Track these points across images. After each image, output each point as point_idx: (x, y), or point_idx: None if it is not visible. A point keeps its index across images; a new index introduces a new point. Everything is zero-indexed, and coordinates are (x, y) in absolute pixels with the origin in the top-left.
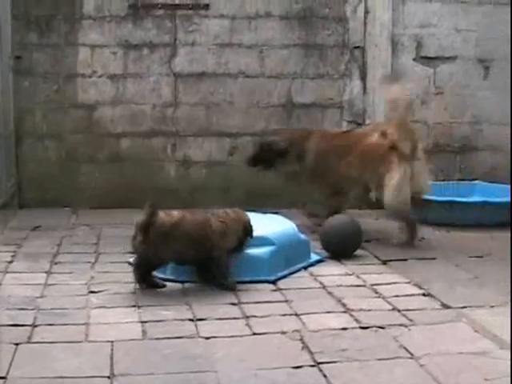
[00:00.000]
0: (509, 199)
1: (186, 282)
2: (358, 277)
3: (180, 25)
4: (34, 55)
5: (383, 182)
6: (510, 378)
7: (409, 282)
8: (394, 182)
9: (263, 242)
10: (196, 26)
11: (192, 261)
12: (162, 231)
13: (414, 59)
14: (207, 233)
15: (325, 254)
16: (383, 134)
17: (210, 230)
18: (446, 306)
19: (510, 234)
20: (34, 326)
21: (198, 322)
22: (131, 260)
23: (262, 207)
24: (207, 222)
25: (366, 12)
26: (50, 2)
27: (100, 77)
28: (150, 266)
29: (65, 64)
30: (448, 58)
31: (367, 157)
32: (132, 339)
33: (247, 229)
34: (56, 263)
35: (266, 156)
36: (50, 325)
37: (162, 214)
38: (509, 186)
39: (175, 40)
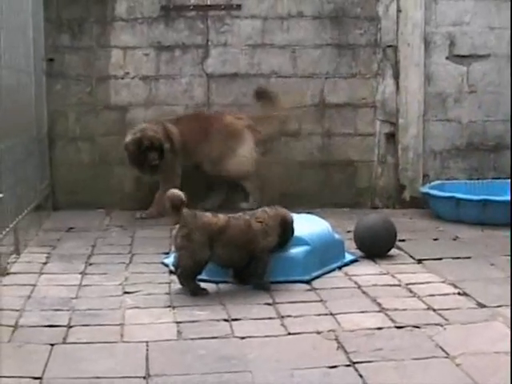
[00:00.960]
0: None
1: (221, 282)
2: (392, 276)
3: (212, 26)
4: (67, 58)
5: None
6: None
7: (443, 281)
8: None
9: (298, 242)
10: (228, 26)
11: (235, 264)
12: (209, 234)
13: (447, 58)
14: (250, 237)
15: (359, 253)
16: (238, 118)
17: (252, 232)
18: (481, 305)
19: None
20: (69, 326)
21: (233, 322)
22: (165, 260)
23: (296, 207)
24: (249, 225)
25: (399, 11)
26: (82, 5)
27: (132, 78)
28: (195, 270)
29: (97, 66)
30: (481, 56)
31: (224, 133)
32: (167, 340)
33: (286, 226)
34: (90, 264)
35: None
36: (85, 325)
37: (209, 216)
38: None
39: (207, 41)
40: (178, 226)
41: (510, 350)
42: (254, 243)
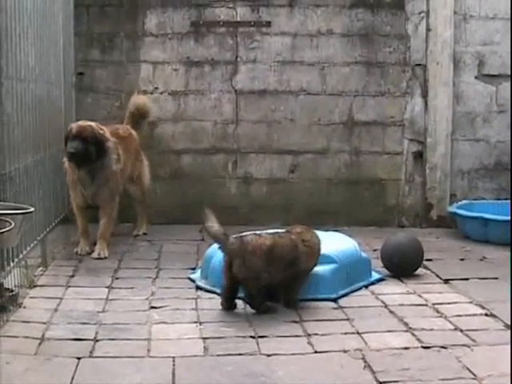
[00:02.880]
0: None
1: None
2: (419, 296)
3: (241, 42)
4: (97, 72)
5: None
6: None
7: (471, 302)
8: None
9: (325, 259)
10: (257, 43)
11: (278, 283)
12: (261, 254)
13: (476, 77)
14: (295, 255)
15: (386, 272)
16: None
17: (297, 252)
18: (508, 327)
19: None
20: (96, 340)
21: (260, 339)
22: (192, 276)
23: (323, 225)
24: (295, 244)
25: (428, 29)
26: (113, 20)
27: (161, 93)
28: (262, 294)
29: (127, 80)
30: (510, 76)
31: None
32: (194, 355)
33: (320, 251)
34: (117, 278)
35: None
36: (112, 339)
37: (254, 237)
38: None
39: (236, 57)
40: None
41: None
42: (298, 263)
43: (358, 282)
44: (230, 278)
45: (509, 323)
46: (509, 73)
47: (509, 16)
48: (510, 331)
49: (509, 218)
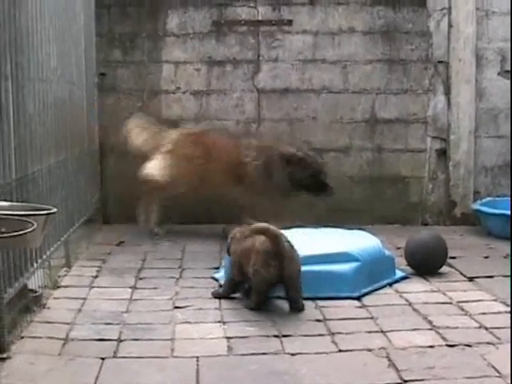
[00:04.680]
0: None
1: (271, 297)
2: (443, 294)
3: (263, 41)
4: (118, 72)
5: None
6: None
7: (495, 300)
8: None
9: (348, 258)
10: (279, 41)
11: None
12: (287, 253)
13: (499, 73)
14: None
15: (409, 270)
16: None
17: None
18: None
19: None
20: (120, 340)
21: (283, 339)
22: (215, 275)
23: (346, 223)
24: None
25: (450, 26)
26: (134, 20)
27: (183, 93)
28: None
29: (148, 80)
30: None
31: None
32: (217, 355)
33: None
34: (141, 278)
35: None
36: (136, 340)
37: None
38: None
39: (258, 56)
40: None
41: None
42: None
43: (382, 281)
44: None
45: None
46: None
47: None
48: None
49: None
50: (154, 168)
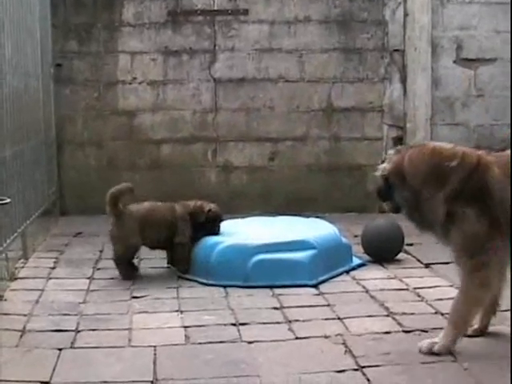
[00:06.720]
0: None
1: (228, 286)
2: (400, 280)
3: (219, 30)
4: (75, 63)
5: None
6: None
7: (451, 286)
8: None
9: (304, 245)
10: (235, 31)
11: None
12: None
13: (454, 61)
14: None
15: (367, 257)
16: None
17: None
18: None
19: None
20: (77, 331)
21: (241, 327)
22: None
23: (303, 211)
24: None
25: (406, 15)
26: (90, 11)
27: (140, 83)
28: None
29: (105, 71)
30: (488, 60)
31: None
32: (175, 344)
33: None
34: (98, 269)
35: None
36: (93, 330)
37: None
38: None
39: (214, 46)
40: None
41: (510, 353)
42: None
43: (339, 268)
44: None
45: None
46: (486, 57)
47: (485, 0)
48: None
49: None
50: None
